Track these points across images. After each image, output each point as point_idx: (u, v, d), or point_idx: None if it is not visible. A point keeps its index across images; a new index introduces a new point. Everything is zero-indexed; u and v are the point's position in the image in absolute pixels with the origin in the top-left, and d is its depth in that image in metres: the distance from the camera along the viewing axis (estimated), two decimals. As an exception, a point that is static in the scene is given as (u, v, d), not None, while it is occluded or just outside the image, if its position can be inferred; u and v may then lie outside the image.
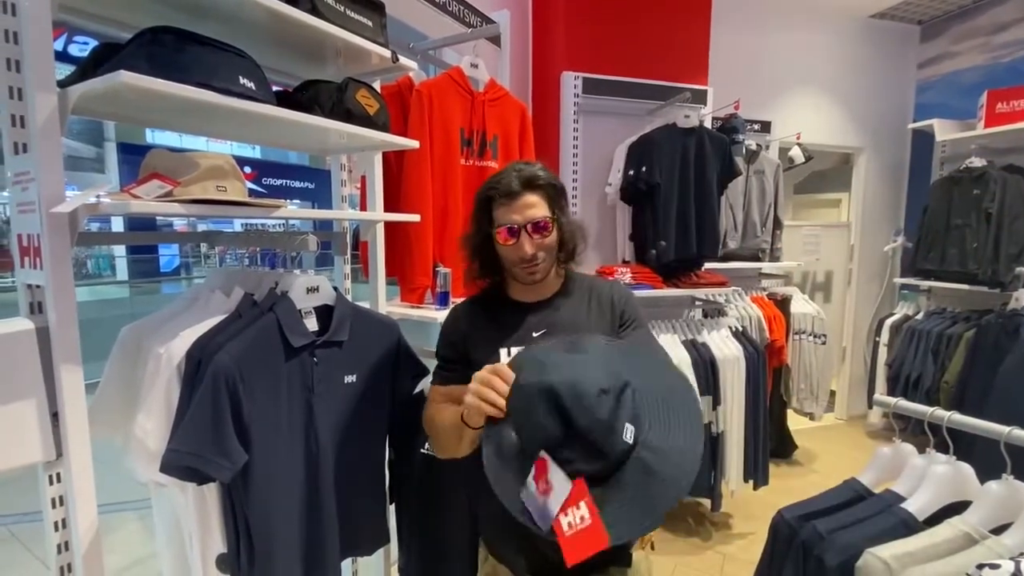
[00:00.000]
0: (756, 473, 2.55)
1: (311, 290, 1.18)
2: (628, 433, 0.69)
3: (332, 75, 1.36)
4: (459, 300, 1.22)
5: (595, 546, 0.63)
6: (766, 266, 3.37)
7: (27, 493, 0.96)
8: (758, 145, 3.31)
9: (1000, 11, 3.49)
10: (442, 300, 1.72)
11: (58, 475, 0.94)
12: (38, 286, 0.91)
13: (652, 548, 1.14)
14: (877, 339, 3.54)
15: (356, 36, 1.26)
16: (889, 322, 3.49)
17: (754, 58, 3.63)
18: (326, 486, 1.17)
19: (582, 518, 0.65)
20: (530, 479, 0.68)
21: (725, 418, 2.43)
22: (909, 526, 0.89)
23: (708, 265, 2.83)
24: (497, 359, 1.01)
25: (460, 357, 1.08)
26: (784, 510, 1.03)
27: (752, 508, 2.67)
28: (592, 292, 1.10)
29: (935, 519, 0.88)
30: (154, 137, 9.42)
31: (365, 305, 1.41)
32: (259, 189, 10.76)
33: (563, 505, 0.66)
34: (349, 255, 1.61)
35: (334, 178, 1.60)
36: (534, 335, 1.04)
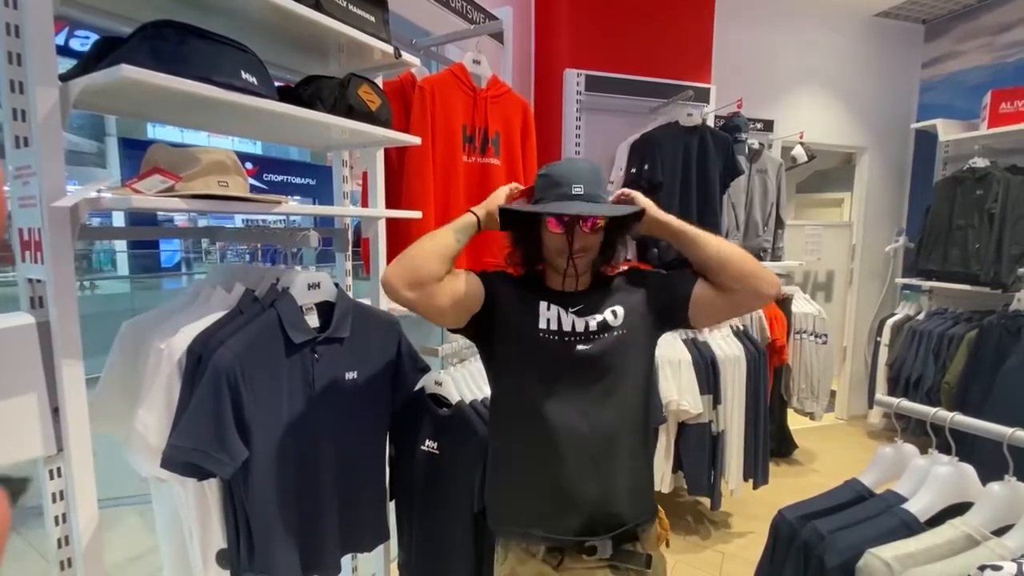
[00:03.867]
0: (756, 472, 2.55)
1: (312, 286, 1.18)
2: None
3: (334, 71, 1.36)
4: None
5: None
6: (768, 265, 3.36)
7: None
8: (761, 144, 3.30)
9: (1005, 11, 3.47)
10: (443, 297, 1.71)
11: (59, 470, 0.94)
12: (39, 280, 0.91)
13: (667, 545, 1.15)
14: (878, 339, 3.53)
15: (358, 31, 1.25)
16: (890, 322, 3.48)
17: (757, 56, 3.62)
18: (326, 483, 1.17)
19: None
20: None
21: (725, 417, 2.43)
22: (911, 527, 0.88)
23: (710, 264, 2.82)
24: (537, 318, 1.04)
25: (489, 289, 1.07)
26: (785, 510, 1.02)
27: (752, 507, 2.67)
28: (624, 276, 1.13)
29: (937, 520, 0.88)
30: (155, 132, 9.40)
31: (366, 302, 1.40)
32: (260, 185, 10.73)
33: None
34: (350, 251, 1.61)
35: (335, 174, 1.60)
36: (571, 310, 1.06)
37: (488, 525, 1.14)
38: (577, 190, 1.00)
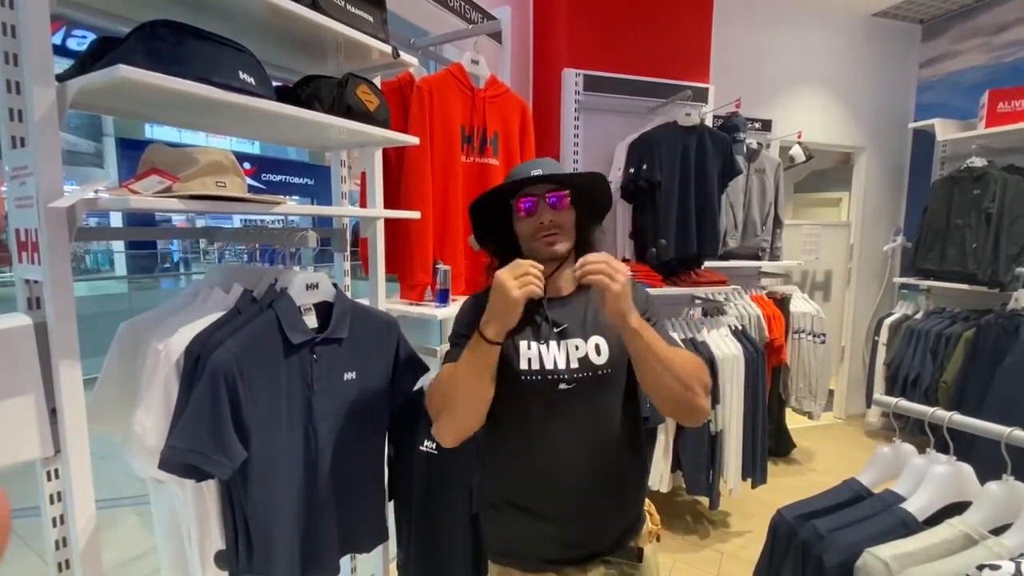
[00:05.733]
0: (754, 472, 2.55)
1: (311, 287, 1.18)
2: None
3: (332, 70, 1.36)
4: (461, 297, 1.21)
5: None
6: (766, 265, 3.37)
7: (24, 487, 0.96)
8: (759, 144, 3.30)
9: (1002, 11, 3.48)
10: (442, 297, 1.71)
11: (56, 471, 0.94)
12: (36, 281, 0.90)
13: (658, 540, 1.15)
14: (876, 338, 3.54)
15: (357, 31, 1.25)
16: (888, 321, 3.49)
17: (755, 56, 3.62)
18: (325, 483, 1.17)
19: None
20: None
21: (724, 417, 2.43)
22: (909, 526, 0.89)
23: (708, 264, 2.83)
24: (518, 359, 1.01)
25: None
26: (784, 509, 1.03)
27: (750, 506, 2.68)
28: None
29: (935, 519, 0.89)
30: (153, 132, 9.38)
31: (365, 302, 1.40)
32: (258, 185, 10.73)
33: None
34: (349, 252, 1.60)
35: (334, 174, 1.60)
36: (554, 330, 1.03)
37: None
38: (536, 172, 1.02)
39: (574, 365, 1.00)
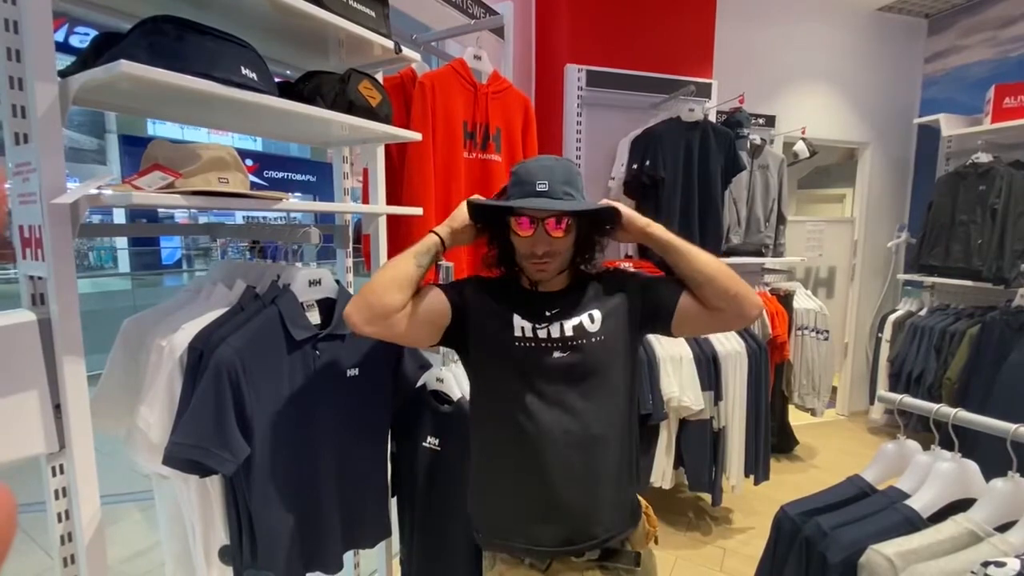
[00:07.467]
0: (757, 468, 2.55)
1: (313, 283, 1.18)
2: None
3: (334, 66, 1.35)
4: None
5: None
6: (769, 261, 3.35)
7: (29, 483, 0.96)
8: (762, 139, 3.28)
9: (1008, 5, 3.45)
10: (444, 294, 1.71)
11: (61, 467, 0.94)
12: (40, 278, 0.90)
13: (656, 542, 1.14)
14: (880, 335, 3.52)
15: (359, 26, 1.25)
16: (892, 318, 3.48)
17: (759, 51, 3.60)
18: (328, 479, 1.17)
19: None
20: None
21: (726, 413, 2.43)
22: (913, 523, 0.88)
23: (711, 260, 2.81)
24: (511, 328, 1.01)
25: (456, 301, 1.05)
26: (787, 506, 1.02)
27: (753, 503, 2.67)
28: (602, 278, 1.10)
29: (939, 516, 0.88)
30: (155, 129, 9.38)
31: (367, 298, 1.40)
32: (260, 182, 10.71)
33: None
34: (351, 248, 1.60)
35: (336, 171, 1.59)
36: (547, 313, 1.03)
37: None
38: (541, 187, 0.96)
39: (569, 333, 1.01)
